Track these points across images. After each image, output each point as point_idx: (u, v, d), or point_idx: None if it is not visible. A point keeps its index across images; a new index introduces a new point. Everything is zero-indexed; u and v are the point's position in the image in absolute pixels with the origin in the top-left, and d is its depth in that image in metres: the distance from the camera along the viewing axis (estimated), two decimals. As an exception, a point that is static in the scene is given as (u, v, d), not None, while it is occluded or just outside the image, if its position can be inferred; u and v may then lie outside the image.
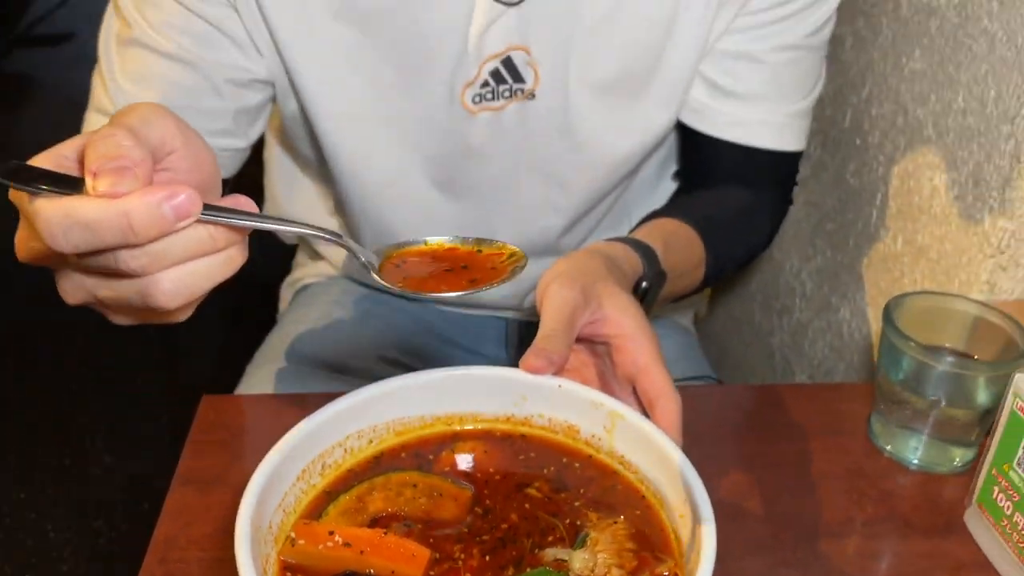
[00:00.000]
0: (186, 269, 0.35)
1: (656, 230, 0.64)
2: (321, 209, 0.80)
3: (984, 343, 0.56)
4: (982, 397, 0.54)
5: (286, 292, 0.90)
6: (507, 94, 0.63)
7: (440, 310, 0.83)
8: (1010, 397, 0.48)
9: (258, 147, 0.71)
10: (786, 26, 0.64)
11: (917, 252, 0.70)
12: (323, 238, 0.39)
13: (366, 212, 0.70)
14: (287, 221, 0.38)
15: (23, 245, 0.40)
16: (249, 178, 0.75)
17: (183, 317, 0.39)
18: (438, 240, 0.42)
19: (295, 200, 0.80)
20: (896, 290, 0.73)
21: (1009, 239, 0.60)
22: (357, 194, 0.69)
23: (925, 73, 0.68)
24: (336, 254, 0.83)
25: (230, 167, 0.66)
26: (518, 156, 0.66)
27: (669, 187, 0.79)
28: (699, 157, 0.72)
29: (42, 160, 0.36)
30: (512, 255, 0.42)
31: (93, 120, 0.64)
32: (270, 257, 0.98)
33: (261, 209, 0.64)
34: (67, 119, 2.48)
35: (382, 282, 0.39)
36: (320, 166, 0.73)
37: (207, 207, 0.33)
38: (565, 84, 0.64)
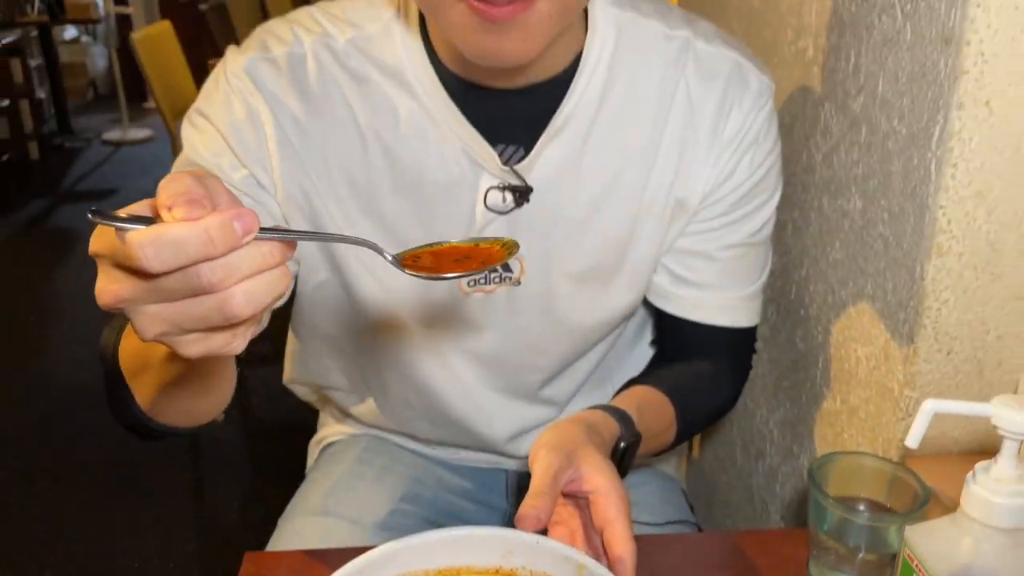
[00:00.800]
0: (253, 281, 0.41)
1: (632, 397, 0.77)
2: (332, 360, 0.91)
3: (898, 496, 0.67)
4: (895, 544, 0.65)
5: (313, 449, 1.03)
6: (497, 280, 0.76)
7: (450, 463, 0.95)
8: (902, 547, 0.59)
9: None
10: (733, 229, 0.78)
11: (851, 411, 0.82)
12: (359, 243, 0.48)
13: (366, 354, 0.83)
14: (326, 235, 0.48)
15: (106, 290, 0.43)
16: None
17: (243, 343, 0.45)
18: (445, 243, 0.52)
19: (308, 350, 0.91)
20: (838, 444, 0.85)
21: (914, 405, 0.73)
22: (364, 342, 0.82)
23: (843, 262, 0.82)
24: (360, 413, 0.95)
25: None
26: (504, 327, 0.80)
27: (646, 351, 0.93)
28: (669, 331, 0.86)
29: (132, 207, 0.43)
30: (505, 244, 0.52)
31: None
32: (299, 417, 1.11)
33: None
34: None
35: (407, 272, 0.49)
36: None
37: (260, 228, 0.41)
38: (547, 275, 0.77)
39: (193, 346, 0.44)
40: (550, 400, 0.87)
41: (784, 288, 0.97)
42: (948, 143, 0.65)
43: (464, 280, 0.76)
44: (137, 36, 2.77)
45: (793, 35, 0.92)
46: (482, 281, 0.76)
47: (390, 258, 0.49)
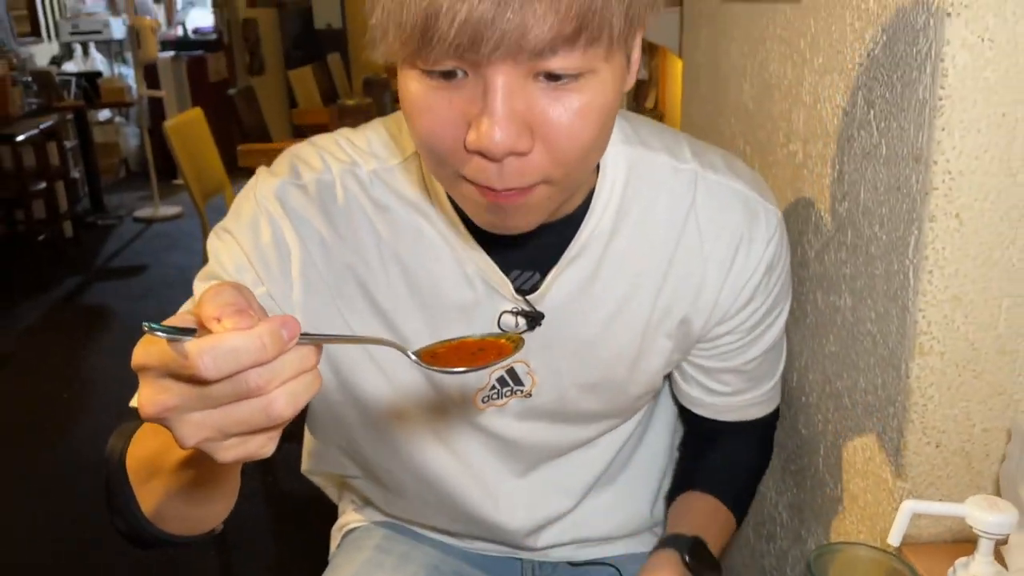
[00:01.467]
0: (293, 383, 0.44)
1: (692, 518, 0.86)
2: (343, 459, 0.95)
3: (894, 584, 0.71)
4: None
5: (335, 535, 1.07)
6: (508, 393, 0.80)
7: (467, 552, 0.98)
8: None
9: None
10: (754, 344, 0.83)
11: (851, 499, 0.86)
12: (384, 343, 0.53)
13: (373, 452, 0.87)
14: (356, 337, 0.51)
15: (153, 400, 0.45)
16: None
17: (275, 445, 0.48)
18: (457, 339, 0.57)
19: (322, 446, 0.95)
20: (841, 530, 0.88)
21: (907, 496, 0.76)
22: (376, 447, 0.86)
23: (838, 355, 0.87)
24: (379, 504, 0.99)
25: None
26: (518, 432, 0.84)
27: (661, 434, 0.97)
28: (701, 426, 0.92)
29: (173, 319, 0.47)
30: (510, 338, 0.56)
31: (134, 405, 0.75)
32: (322, 505, 1.16)
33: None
34: (133, 346, 2.78)
35: (430, 367, 0.53)
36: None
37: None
38: (559, 387, 0.80)
39: (232, 451, 0.47)
40: (567, 491, 0.91)
41: (787, 374, 1.01)
42: (923, 252, 0.70)
43: (478, 397, 0.79)
44: (170, 124, 2.90)
45: (784, 138, 0.98)
46: (495, 396, 0.79)
47: (413, 357, 0.53)
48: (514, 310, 0.75)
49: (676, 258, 0.76)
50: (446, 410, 0.82)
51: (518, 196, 0.58)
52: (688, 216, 0.76)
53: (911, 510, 0.57)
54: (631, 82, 0.61)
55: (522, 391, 0.80)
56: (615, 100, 0.58)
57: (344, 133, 0.78)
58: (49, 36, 6.38)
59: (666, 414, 0.97)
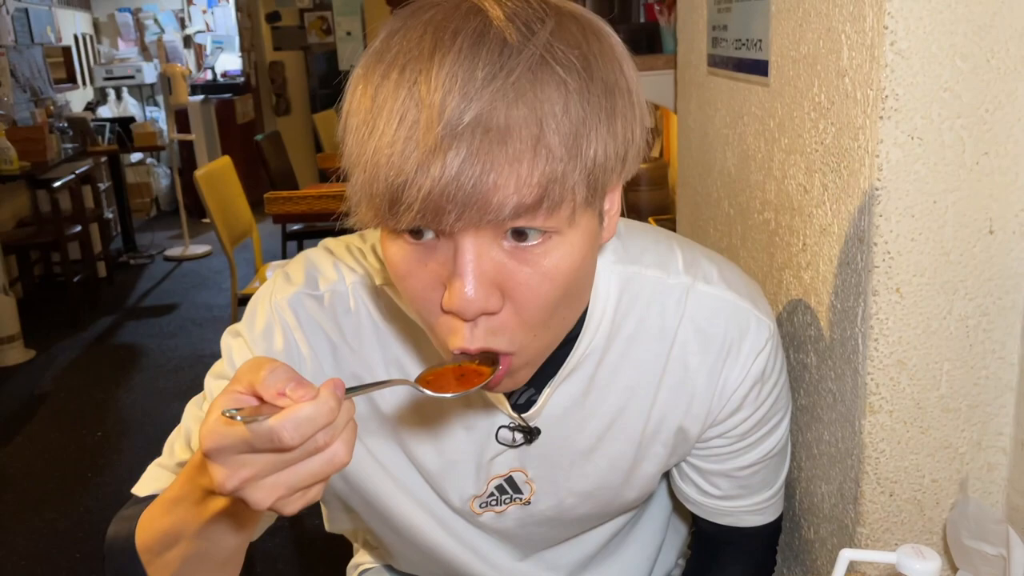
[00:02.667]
0: (346, 432, 0.51)
1: None
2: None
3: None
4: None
5: (351, 573, 1.15)
6: (507, 501, 0.82)
7: None
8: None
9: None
10: (746, 452, 0.84)
11: (821, 542, 0.93)
12: (400, 384, 0.58)
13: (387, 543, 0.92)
14: (376, 384, 0.57)
15: (233, 476, 0.51)
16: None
17: (323, 490, 0.54)
18: (440, 366, 0.61)
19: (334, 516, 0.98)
20: (814, 570, 0.95)
21: (865, 541, 0.84)
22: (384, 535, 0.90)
23: (807, 408, 0.95)
24: (389, 559, 1.02)
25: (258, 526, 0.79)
26: (515, 535, 0.87)
27: (657, 517, 1.01)
28: (702, 526, 0.94)
29: (225, 400, 0.52)
30: (482, 359, 0.59)
31: (158, 474, 0.80)
32: (338, 543, 1.24)
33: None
34: (166, 385, 2.93)
35: (424, 390, 0.58)
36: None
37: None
38: (556, 494, 0.82)
39: (297, 503, 0.53)
40: (566, 568, 0.93)
41: (768, 424, 1.09)
42: (869, 321, 0.78)
43: (476, 503, 0.82)
44: (200, 173, 3.04)
45: (760, 206, 1.07)
46: (494, 503, 0.82)
47: (427, 392, 0.59)
48: (511, 425, 0.78)
49: (668, 369, 0.78)
50: (442, 516, 0.85)
51: (500, 375, 0.61)
52: (678, 329, 0.77)
53: (848, 558, 0.65)
54: (608, 235, 0.64)
55: (521, 499, 0.83)
56: (585, 259, 0.60)
57: (355, 242, 0.81)
58: (84, 82, 6.62)
59: (663, 492, 1.00)
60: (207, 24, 7.30)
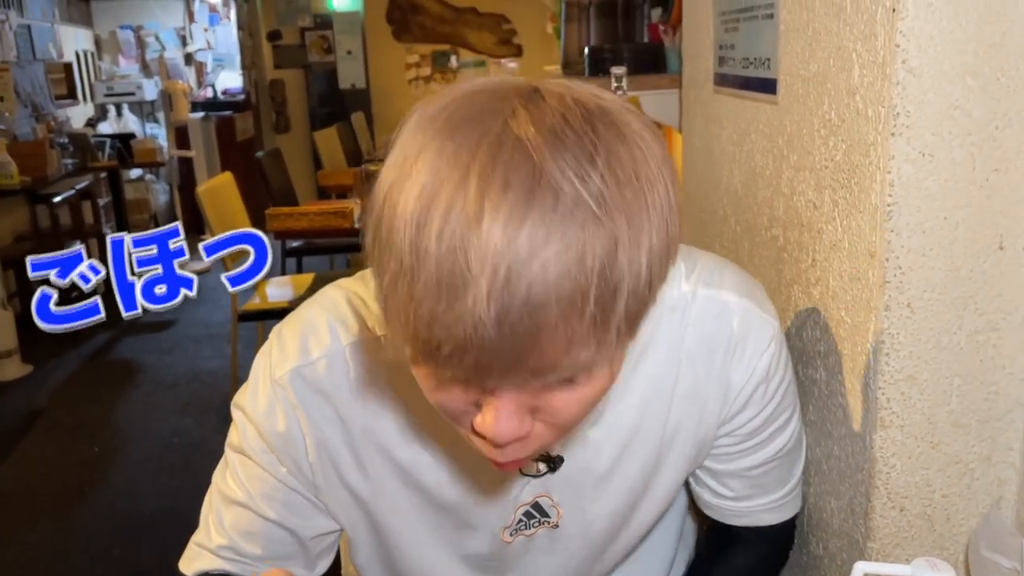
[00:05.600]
0: None
1: None
2: None
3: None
4: None
5: None
6: (536, 525, 0.83)
7: None
8: None
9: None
10: (755, 452, 0.85)
11: (831, 557, 0.93)
12: None
13: None
14: None
15: None
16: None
17: None
18: None
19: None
20: (823, 586, 0.95)
21: (875, 556, 0.84)
22: None
23: (816, 423, 0.95)
24: None
25: None
26: (547, 560, 0.87)
27: (670, 526, 1.00)
28: (717, 527, 0.94)
29: None
30: None
31: (200, 554, 0.83)
32: None
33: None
34: (163, 400, 2.92)
35: None
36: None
37: None
38: (583, 515, 0.83)
39: None
40: None
41: (775, 440, 1.09)
42: (880, 337, 0.79)
43: (506, 533, 0.83)
44: (202, 189, 3.05)
45: (767, 223, 1.07)
46: (523, 528, 0.83)
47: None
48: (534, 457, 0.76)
49: (679, 379, 0.78)
50: (473, 549, 0.85)
51: (520, 462, 0.62)
52: (684, 338, 0.77)
53: (862, 570, 0.65)
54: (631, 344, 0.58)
55: (549, 522, 0.83)
56: (613, 377, 0.58)
57: (354, 287, 0.79)
58: (85, 98, 6.64)
59: (678, 501, 0.98)
60: (208, 42, 7.34)
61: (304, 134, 7.45)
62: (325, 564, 0.87)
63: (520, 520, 0.82)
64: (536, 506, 0.82)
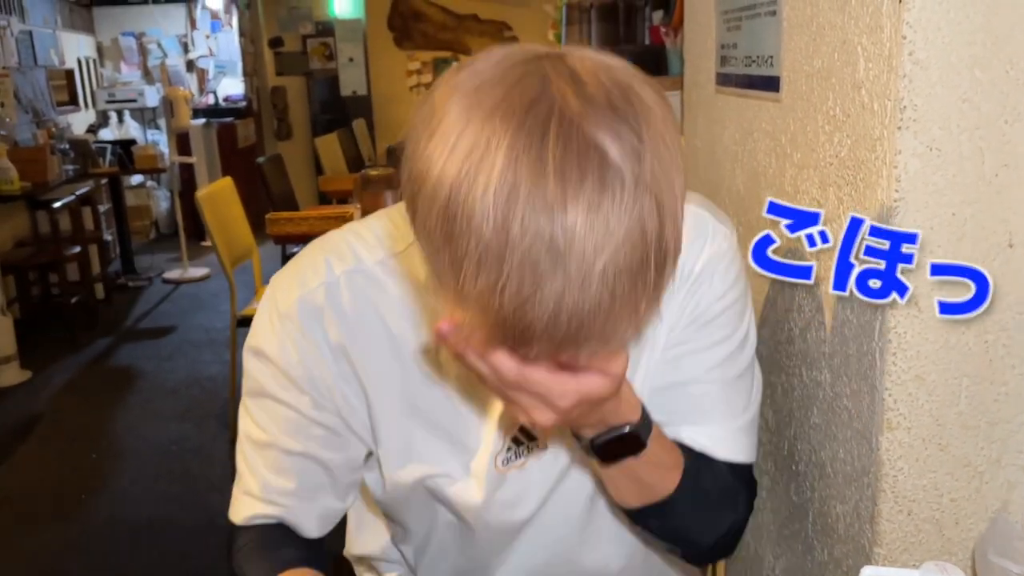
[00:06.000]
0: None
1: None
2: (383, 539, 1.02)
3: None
4: None
5: None
6: (524, 453, 0.86)
7: None
8: None
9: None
10: (701, 355, 0.83)
11: (836, 563, 0.91)
12: None
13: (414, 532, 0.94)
14: None
15: None
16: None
17: None
18: None
19: (364, 531, 1.02)
20: (828, 592, 0.93)
21: (883, 561, 0.82)
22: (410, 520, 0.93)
23: (821, 426, 0.93)
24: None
25: (333, 523, 0.90)
26: (540, 499, 0.89)
27: None
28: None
29: None
30: None
31: (243, 501, 0.86)
32: None
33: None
34: (162, 407, 2.91)
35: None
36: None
37: None
38: (563, 429, 0.82)
39: None
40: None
41: (779, 444, 1.07)
42: (887, 336, 0.77)
43: (499, 460, 0.85)
44: (201, 194, 3.04)
45: (771, 224, 1.06)
46: (513, 457, 0.85)
47: None
48: None
49: None
50: (472, 485, 0.87)
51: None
52: None
53: (869, 575, 0.63)
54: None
55: (535, 445, 0.86)
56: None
57: (352, 227, 0.85)
58: (86, 104, 6.65)
59: None
60: (210, 49, 7.34)
61: (306, 141, 7.45)
62: (356, 495, 0.93)
63: (509, 447, 0.85)
64: (522, 430, 0.85)
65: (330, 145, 5.75)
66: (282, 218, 3.09)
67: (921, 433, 0.79)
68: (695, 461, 0.82)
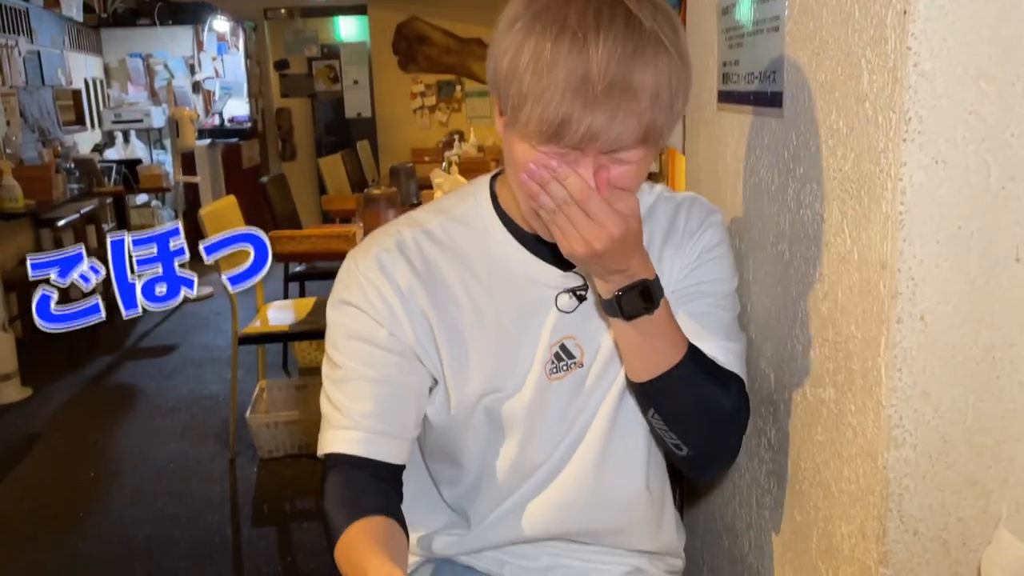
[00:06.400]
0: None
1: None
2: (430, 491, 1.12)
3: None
4: None
5: None
6: (565, 368, 1.00)
7: None
8: None
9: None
10: (703, 298, 1.02)
11: (841, 584, 0.89)
12: None
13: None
14: None
15: None
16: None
17: None
18: None
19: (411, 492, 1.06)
20: (833, 615, 0.91)
21: (889, 581, 0.80)
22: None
23: (825, 445, 0.91)
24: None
25: (408, 449, 1.00)
26: (573, 408, 1.02)
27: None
28: None
29: None
30: None
31: (329, 434, 0.97)
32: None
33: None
34: (162, 425, 2.89)
35: None
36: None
37: None
38: (599, 347, 1.00)
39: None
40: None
41: (782, 463, 1.06)
42: (893, 351, 0.76)
43: (548, 369, 1.00)
44: (204, 211, 3.04)
45: (773, 239, 1.05)
46: (554, 370, 1.00)
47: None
48: (567, 288, 0.99)
49: (660, 240, 1.03)
50: (526, 388, 1.01)
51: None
52: (661, 213, 1.05)
53: (876, 594, 0.62)
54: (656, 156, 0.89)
55: (575, 362, 1.00)
56: (643, 174, 0.87)
57: (408, 213, 1.06)
58: (92, 124, 6.68)
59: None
60: (216, 70, 7.38)
61: (310, 162, 7.48)
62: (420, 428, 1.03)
63: (553, 360, 0.99)
64: (563, 347, 0.99)
65: (334, 166, 5.77)
66: (284, 236, 3.08)
67: (927, 450, 0.78)
68: (695, 347, 0.96)
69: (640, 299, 0.89)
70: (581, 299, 0.99)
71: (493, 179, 1.03)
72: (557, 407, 1.01)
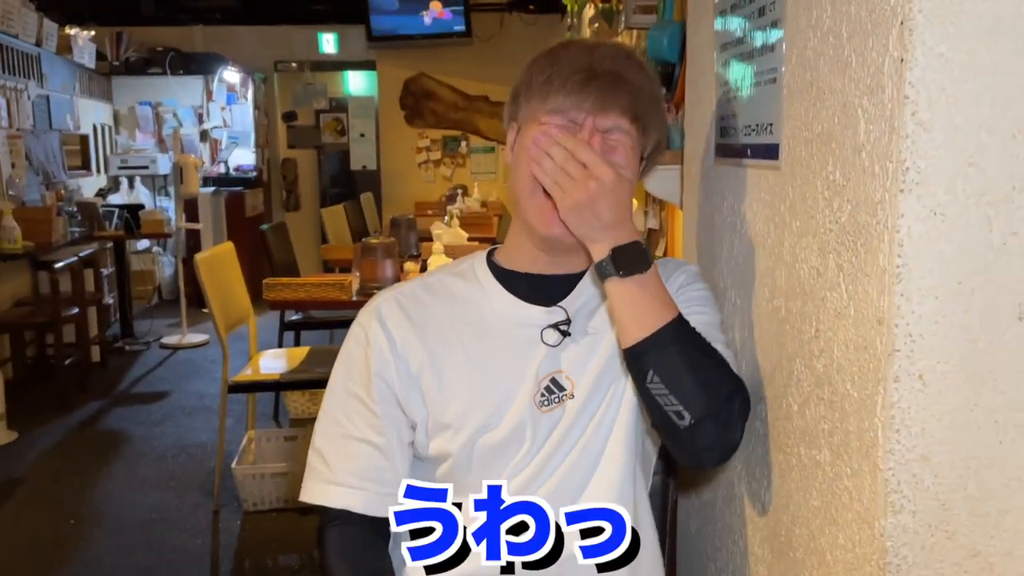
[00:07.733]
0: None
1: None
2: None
3: None
4: None
5: None
6: (556, 401, 1.05)
7: None
8: None
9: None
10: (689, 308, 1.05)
11: (836, 661, 0.84)
12: None
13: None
14: None
15: None
16: None
17: None
18: None
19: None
20: None
21: (886, 660, 0.75)
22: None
23: (820, 510, 0.87)
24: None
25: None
26: (562, 437, 1.05)
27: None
28: None
29: None
30: None
31: (315, 487, 1.07)
32: None
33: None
34: (147, 473, 2.82)
35: None
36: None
37: None
38: (587, 378, 1.05)
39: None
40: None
41: (775, 528, 1.01)
42: (890, 411, 0.72)
43: (537, 401, 1.05)
44: (201, 257, 3.02)
45: (769, 294, 1.02)
46: (545, 403, 1.05)
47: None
48: (552, 324, 1.07)
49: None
50: (518, 418, 1.06)
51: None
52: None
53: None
54: (637, 177, 1.05)
55: (565, 394, 1.05)
56: (632, 175, 1.01)
57: (409, 282, 1.17)
58: (99, 170, 6.72)
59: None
60: (224, 120, 7.45)
61: (314, 212, 7.50)
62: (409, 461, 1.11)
63: (543, 394, 1.05)
64: (554, 381, 1.05)
65: (336, 216, 5.77)
66: (279, 283, 3.05)
67: (927, 518, 0.73)
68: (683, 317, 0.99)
69: (634, 253, 0.94)
70: (565, 334, 1.06)
71: (492, 250, 1.16)
72: (549, 438, 1.05)
